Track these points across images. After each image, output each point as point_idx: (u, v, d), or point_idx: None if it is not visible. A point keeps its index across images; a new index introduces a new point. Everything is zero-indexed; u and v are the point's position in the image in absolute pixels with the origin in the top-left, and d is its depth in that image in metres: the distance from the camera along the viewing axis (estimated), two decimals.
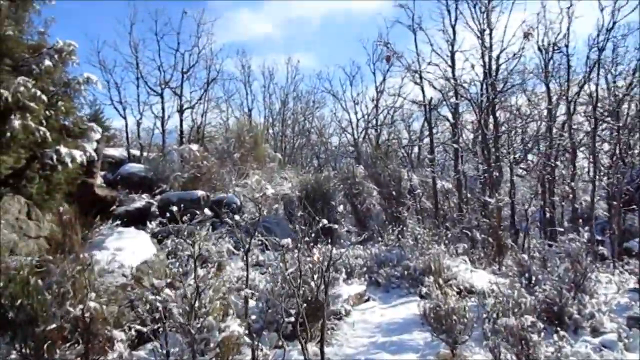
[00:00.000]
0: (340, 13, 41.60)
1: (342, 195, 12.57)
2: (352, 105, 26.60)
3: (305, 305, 6.23)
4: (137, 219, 11.40)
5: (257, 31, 41.17)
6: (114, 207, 12.39)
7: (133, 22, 18.20)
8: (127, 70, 18.39)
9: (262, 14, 42.29)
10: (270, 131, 31.11)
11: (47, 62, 7.11)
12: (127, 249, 6.73)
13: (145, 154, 18.55)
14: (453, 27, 12.68)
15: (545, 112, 15.14)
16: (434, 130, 24.25)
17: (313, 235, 6.89)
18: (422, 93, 12.26)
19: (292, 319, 5.80)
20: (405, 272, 8.31)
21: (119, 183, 15.55)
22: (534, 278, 7.13)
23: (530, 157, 17.66)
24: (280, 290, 6.37)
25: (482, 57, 11.56)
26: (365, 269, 8.51)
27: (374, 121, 25.18)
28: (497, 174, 11.14)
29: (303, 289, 6.51)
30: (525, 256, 8.62)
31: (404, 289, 8.16)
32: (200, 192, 12.35)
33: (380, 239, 10.44)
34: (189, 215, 11.33)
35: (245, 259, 5.12)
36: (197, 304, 4.11)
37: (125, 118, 18.09)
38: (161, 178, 14.94)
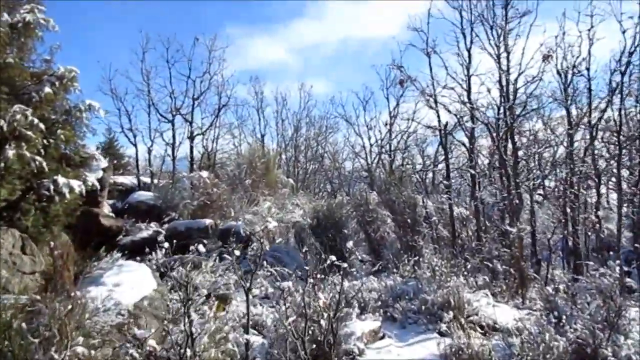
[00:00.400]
0: (355, 39, 41.90)
1: (354, 223, 12.14)
2: (365, 130, 26.37)
3: (314, 345, 5.79)
4: (144, 249, 11.06)
5: (271, 57, 41.56)
6: (121, 237, 12.12)
7: (145, 50, 18.22)
8: (139, 98, 18.36)
9: (277, 40, 42.75)
10: (283, 157, 30.96)
11: (47, 89, 6.89)
12: (126, 284, 6.35)
13: (156, 181, 18.37)
14: (469, 51, 12.35)
15: (562, 137, 14.66)
16: (450, 156, 23.94)
17: (324, 267, 6.53)
18: (437, 117, 11.88)
19: None
20: (423, 307, 7.79)
21: (128, 212, 15.31)
22: (563, 316, 6.57)
23: (547, 183, 17.10)
24: (285, 332, 5.94)
25: (499, 80, 11.17)
26: (379, 303, 8.00)
27: (388, 146, 24.88)
28: (517, 201, 10.62)
29: (312, 328, 6.07)
30: (550, 289, 8.08)
31: (421, 325, 7.61)
32: (208, 221, 12.02)
33: (395, 269, 9.96)
34: (196, 245, 10.98)
35: (246, 298, 4.67)
36: (189, 353, 3.69)
37: (135, 145, 18.00)
38: (170, 206, 14.67)
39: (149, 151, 18.31)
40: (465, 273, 9.16)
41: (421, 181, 22.59)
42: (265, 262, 10.04)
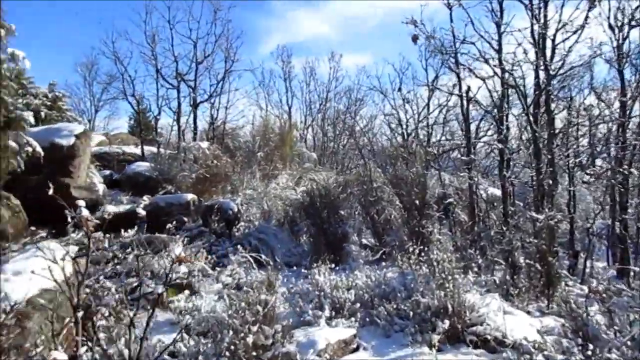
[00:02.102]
0: (397, 12, 39.73)
1: (357, 203, 10.59)
2: (401, 103, 24.44)
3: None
4: (117, 225, 9.93)
5: (315, 31, 40.42)
6: (98, 211, 11.08)
7: (149, 11, 16.92)
8: (147, 64, 17.18)
9: (320, 14, 41.45)
10: (310, 130, 29.67)
11: None
12: (28, 272, 5.11)
13: (162, 151, 17.35)
14: (500, 4, 10.34)
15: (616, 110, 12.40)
16: (490, 131, 21.73)
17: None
18: (458, 80, 10.04)
19: None
20: (412, 312, 6.22)
21: (124, 183, 14.39)
22: (593, 338, 4.87)
23: (599, 162, 14.86)
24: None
25: (532, 34, 9.12)
26: (358, 304, 6.47)
27: (425, 121, 22.95)
28: (550, 182, 8.75)
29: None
30: (576, 290, 6.34)
31: (409, 335, 6.05)
32: (190, 196, 10.76)
33: (396, 259, 8.39)
34: (174, 222, 9.62)
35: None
36: None
37: (138, 113, 16.89)
38: (167, 178, 13.57)
39: (156, 119, 17.22)
40: (477, 269, 7.50)
41: (461, 156, 20.54)
42: (240, 246, 8.72)
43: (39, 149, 7.20)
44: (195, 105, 16.85)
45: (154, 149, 17.65)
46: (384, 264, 8.85)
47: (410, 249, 8.02)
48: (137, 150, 17.73)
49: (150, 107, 17.71)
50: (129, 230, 9.24)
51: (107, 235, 9.74)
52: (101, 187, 12.74)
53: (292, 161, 19.91)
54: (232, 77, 18.17)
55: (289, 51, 27.23)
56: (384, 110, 26.60)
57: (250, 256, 8.16)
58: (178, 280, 7.24)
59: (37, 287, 4.94)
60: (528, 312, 7.20)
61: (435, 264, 6.85)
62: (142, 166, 14.49)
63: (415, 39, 9.54)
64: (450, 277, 6.55)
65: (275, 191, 11.98)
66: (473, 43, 9.04)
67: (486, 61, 8.90)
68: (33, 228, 9.51)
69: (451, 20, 9.82)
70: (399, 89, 16.32)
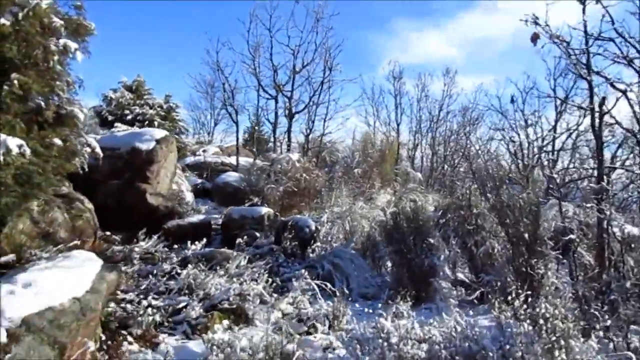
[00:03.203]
0: (527, 32, 37.05)
1: (451, 231, 9.00)
2: (523, 125, 22.16)
3: None
4: (188, 235, 9.42)
5: (441, 53, 39.34)
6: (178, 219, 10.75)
7: (252, 19, 16.75)
8: (248, 74, 17.06)
9: (446, 34, 40.25)
10: (419, 149, 28.18)
11: (3, 20, 5.40)
12: (38, 285, 4.48)
13: (259, 162, 17.07)
14: None
15: None
16: (631, 158, 18.63)
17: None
18: (590, 90, 8.11)
19: None
20: None
21: (213, 193, 14.22)
22: None
23: None
24: None
25: None
26: None
27: (550, 145, 20.56)
28: None
29: None
30: None
31: None
32: (264, 210, 9.98)
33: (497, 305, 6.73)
34: (245, 237, 8.82)
35: None
36: None
37: (236, 123, 16.76)
38: (255, 190, 13.08)
39: (254, 129, 17.00)
40: (603, 332, 5.66)
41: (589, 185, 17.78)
42: (311, 270, 7.69)
43: (98, 150, 6.81)
44: (290, 116, 16.34)
45: (248, 159, 17.47)
46: (479, 307, 7.24)
47: (513, 294, 6.33)
48: (233, 160, 17.70)
49: (250, 117, 17.51)
50: (197, 243, 8.62)
51: (175, 246, 9.26)
52: (189, 195, 12.55)
53: (393, 180, 18.63)
54: (333, 88, 17.35)
55: (401, 67, 26.16)
56: (502, 132, 24.28)
57: (316, 284, 7.06)
58: (227, 305, 6.38)
59: (42, 303, 4.28)
60: None
61: (542, 320, 5.18)
62: (232, 176, 14.21)
63: (535, 38, 7.85)
64: (563, 342, 4.87)
65: (362, 210, 10.78)
66: (612, 39, 7.14)
67: (629, 62, 6.97)
68: (108, 233, 9.35)
69: (583, 13, 7.95)
70: (512, 100, 14.22)
